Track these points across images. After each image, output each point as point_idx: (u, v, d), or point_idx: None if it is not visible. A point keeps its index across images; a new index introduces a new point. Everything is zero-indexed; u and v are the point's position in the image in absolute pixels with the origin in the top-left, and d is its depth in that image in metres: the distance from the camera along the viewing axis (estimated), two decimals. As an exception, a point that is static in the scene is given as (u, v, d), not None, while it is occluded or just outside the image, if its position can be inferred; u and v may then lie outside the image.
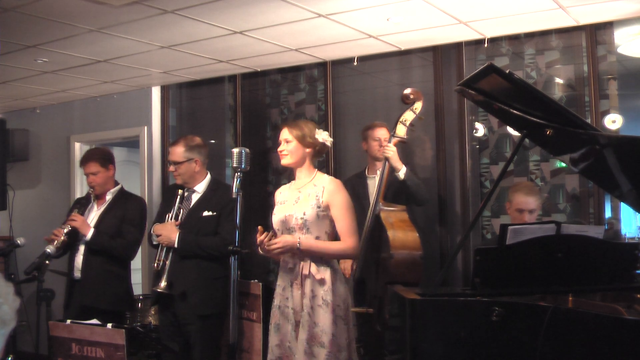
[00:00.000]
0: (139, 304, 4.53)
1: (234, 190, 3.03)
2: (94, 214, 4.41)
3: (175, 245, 3.80)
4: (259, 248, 3.23)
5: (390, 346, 3.91)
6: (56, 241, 4.11)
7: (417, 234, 3.80)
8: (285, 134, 3.32)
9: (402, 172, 4.04)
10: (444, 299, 2.68)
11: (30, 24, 3.89)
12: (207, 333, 3.82)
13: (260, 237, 3.18)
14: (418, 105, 4.02)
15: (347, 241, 3.20)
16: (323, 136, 3.32)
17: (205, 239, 3.82)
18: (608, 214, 4.22)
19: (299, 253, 3.19)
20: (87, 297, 4.25)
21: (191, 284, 3.80)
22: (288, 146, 3.30)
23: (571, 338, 2.31)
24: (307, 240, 3.16)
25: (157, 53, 4.65)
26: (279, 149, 3.36)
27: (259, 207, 5.32)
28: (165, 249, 3.86)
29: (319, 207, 3.18)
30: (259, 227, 3.22)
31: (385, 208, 3.92)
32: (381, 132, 4.26)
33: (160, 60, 4.89)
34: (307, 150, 3.29)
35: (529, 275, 2.68)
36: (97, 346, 3.22)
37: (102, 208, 4.41)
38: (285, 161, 3.33)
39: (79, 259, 4.31)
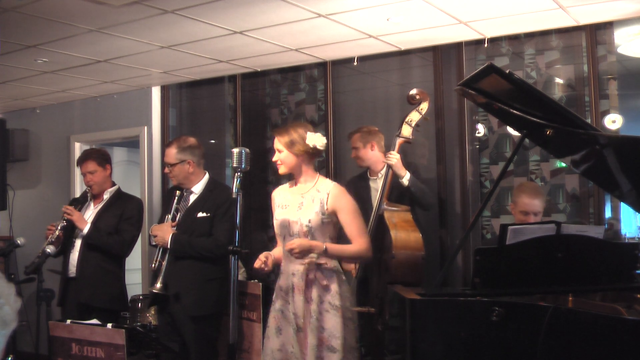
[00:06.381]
0: (139, 304, 4.52)
1: (234, 190, 3.02)
2: (91, 211, 4.42)
3: (168, 246, 3.81)
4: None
5: (391, 346, 3.91)
6: (50, 236, 4.12)
7: (420, 235, 3.80)
8: (276, 143, 3.29)
9: (405, 178, 4.04)
10: (444, 299, 2.68)
11: (30, 24, 3.89)
12: (202, 334, 3.80)
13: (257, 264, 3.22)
14: (424, 106, 4.02)
15: (360, 243, 3.19)
16: (314, 140, 3.22)
17: (198, 240, 3.81)
18: (608, 214, 4.21)
19: (324, 255, 3.16)
20: (82, 294, 4.26)
21: (185, 285, 3.79)
22: (281, 156, 3.27)
23: (571, 338, 2.31)
24: (331, 245, 3.16)
25: (157, 53, 4.65)
26: (273, 159, 3.34)
27: (259, 207, 5.32)
28: (161, 249, 3.86)
29: (323, 213, 3.16)
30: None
31: (389, 208, 3.91)
32: (353, 140, 4.29)
33: (160, 60, 4.89)
34: (300, 157, 3.24)
35: (529, 275, 2.69)
36: (97, 346, 3.21)
37: (100, 206, 4.42)
38: (281, 171, 3.32)
39: (75, 255, 4.31)
